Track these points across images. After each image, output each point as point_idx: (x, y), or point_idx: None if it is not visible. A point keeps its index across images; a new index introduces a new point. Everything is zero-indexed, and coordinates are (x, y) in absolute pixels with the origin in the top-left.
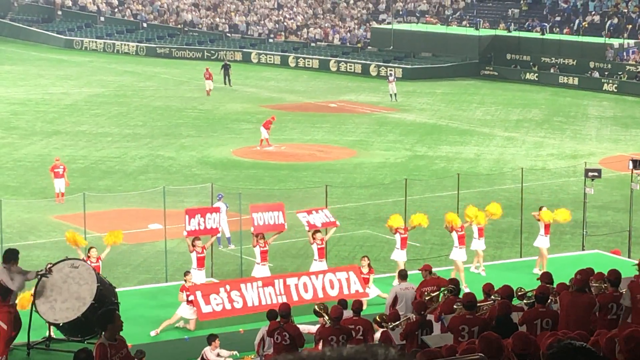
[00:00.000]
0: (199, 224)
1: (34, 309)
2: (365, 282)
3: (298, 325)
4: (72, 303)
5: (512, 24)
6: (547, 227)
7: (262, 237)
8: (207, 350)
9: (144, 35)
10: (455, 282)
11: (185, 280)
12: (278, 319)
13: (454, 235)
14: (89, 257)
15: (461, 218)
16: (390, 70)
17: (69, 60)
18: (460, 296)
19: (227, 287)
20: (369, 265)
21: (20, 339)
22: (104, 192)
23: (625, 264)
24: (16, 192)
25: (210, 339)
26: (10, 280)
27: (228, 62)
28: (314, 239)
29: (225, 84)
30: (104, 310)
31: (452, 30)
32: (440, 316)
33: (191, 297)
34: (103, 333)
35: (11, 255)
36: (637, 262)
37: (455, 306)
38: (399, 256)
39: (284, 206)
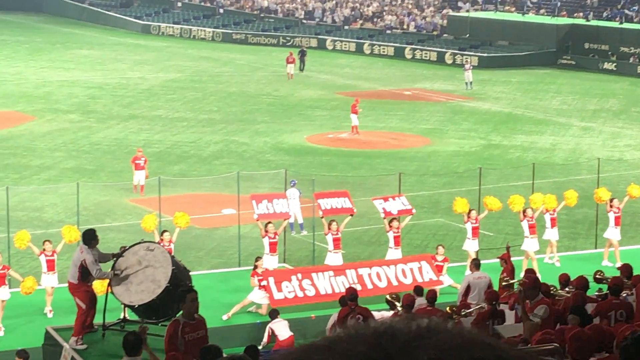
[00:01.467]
0: (267, 208)
1: (109, 290)
2: (439, 270)
3: (373, 313)
4: (147, 285)
5: (591, 12)
6: (617, 218)
7: (335, 223)
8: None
9: (221, 21)
10: (532, 273)
11: (257, 266)
12: (348, 304)
13: (525, 224)
14: (161, 239)
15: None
16: (467, 58)
17: (146, 45)
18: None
19: (299, 275)
20: (443, 253)
21: (96, 320)
22: (178, 177)
23: None
24: (93, 175)
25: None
26: (93, 266)
27: (305, 49)
28: (390, 226)
29: (300, 69)
30: (180, 289)
31: (530, 18)
32: (514, 305)
33: (264, 282)
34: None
35: (91, 236)
36: None
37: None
38: (470, 246)
39: (349, 193)
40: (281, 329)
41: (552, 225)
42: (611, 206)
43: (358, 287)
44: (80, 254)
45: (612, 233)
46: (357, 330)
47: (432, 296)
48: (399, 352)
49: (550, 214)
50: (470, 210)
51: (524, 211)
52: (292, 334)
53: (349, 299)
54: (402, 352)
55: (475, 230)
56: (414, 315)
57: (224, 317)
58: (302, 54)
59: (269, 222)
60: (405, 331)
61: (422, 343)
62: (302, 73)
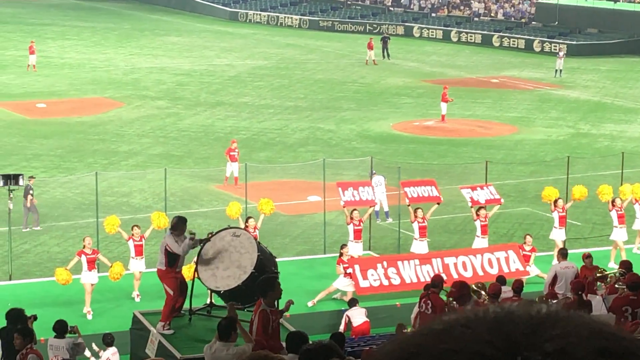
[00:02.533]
0: (353, 196)
1: (196, 275)
2: (526, 259)
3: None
4: (233, 271)
5: None
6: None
7: (421, 211)
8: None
9: (307, 9)
10: (626, 265)
11: (342, 253)
12: (429, 290)
13: (614, 214)
14: (247, 226)
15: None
16: (560, 45)
17: (233, 32)
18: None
19: (385, 263)
20: (531, 243)
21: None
22: (264, 164)
23: None
24: (180, 161)
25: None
26: (177, 247)
27: (387, 35)
28: (477, 215)
29: (384, 57)
30: (265, 277)
31: (620, 6)
32: (604, 297)
33: (349, 270)
34: (263, 299)
35: (180, 223)
36: None
37: (616, 286)
38: (558, 235)
39: (436, 182)
40: (356, 316)
41: None
42: (614, 205)
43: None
44: (164, 239)
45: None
46: (476, 314)
47: (518, 286)
48: (523, 338)
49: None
50: (557, 199)
51: (613, 201)
52: (367, 320)
53: (432, 285)
54: (526, 339)
55: (562, 220)
56: (531, 302)
57: (309, 304)
58: (385, 42)
59: (355, 209)
60: (526, 317)
61: (546, 331)
62: (388, 60)
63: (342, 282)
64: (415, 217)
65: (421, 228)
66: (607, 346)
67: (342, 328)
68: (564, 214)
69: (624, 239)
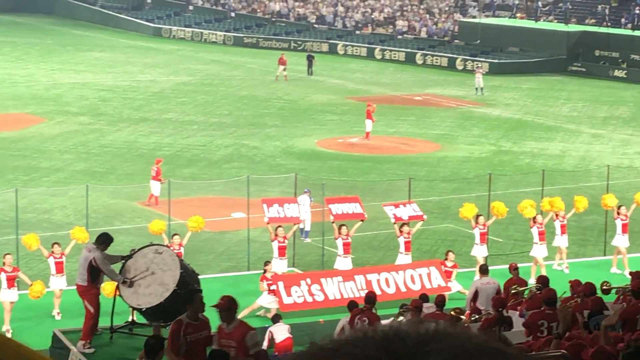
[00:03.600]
0: (278, 212)
1: (117, 293)
2: (448, 275)
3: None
4: (155, 288)
5: (603, 19)
6: (624, 225)
7: (345, 228)
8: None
9: (232, 25)
10: (543, 280)
11: (266, 270)
12: (362, 306)
13: (534, 230)
14: (171, 243)
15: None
16: (478, 63)
17: (157, 48)
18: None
19: (308, 280)
20: (453, 259)
21: (104, 322)
22: (188, 180)
23: None
24: (102, 178)
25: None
26: (105, 264)
27: (312, 54)
28: (401, 232)
29: (308, 74)
30: (187, 290)
31: (541, 25)
32: (523, 312)
33: (273, 287)
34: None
35: (104, 239)
36: None
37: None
38: (479, 251)
39: (360, 199)
40: (279, 333)
41: (562, 232)
42: (618, 213)
43: (364, 293)
44: (88, 252)
45: (620, 240)
46: (365, 333)
47: (440, 300)
48: (408, 356)
49: (560, 221)
50: (478, 216)
51: (534, 218)
52: (289, 336)
53: (366, 301)
54: (411, 356)
55: (483, 236)
56: (421, 320)
57: None
58: (310, 60)
59: (279, 226)
60: (414, 335)
61: (432, 347)
62: (311, 78)
63: (266, 299)
64: (340, 233)
65: (345, 245)
66: None
67: (265, 344)
68: (485, 230)
69: (544, 255)
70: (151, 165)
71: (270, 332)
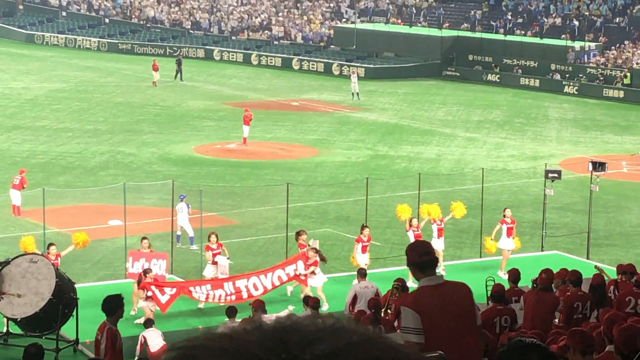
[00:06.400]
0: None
1: None
2: (307, 268)
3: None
4: (30, 298)
5: (475, 25)
6: (509, 229)
7: (214, 236)
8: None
9: (106, 31)
10: (401, 280)
11: (146, 277)
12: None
13: (410, 234)
14: (48, 253)
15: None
16: (352, 68)
17: (30, 54)
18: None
19: (174, 290)
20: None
21: None
22: (64, 188)
23: (583, 265)
24: None
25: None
26: None
27: (181, 58)
28: (410, 225)
29: (175, 78)
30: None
31: (415, 30)
32: (398, 312)
33: (149, 293)
34: (108, 318)
35: None
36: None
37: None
38: (360, 258)
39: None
40: (153, 339)
41: (439, 236)
42: (504, 216)
43: (233, 298)
44: None
45: (505, 243)
46: (261, 324)
47: (314, 304)
48: (297, 345)
49: (438, 225)
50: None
51: (410, 221)
52: (164, 343)
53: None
54: (300, 345)
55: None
56: (318, 315)
57: None
58: (179, 64)
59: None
60: (311, 328)
61: (321, 337)
62: (181, 82)
63: (143, 303)
64: (209, 241)
65: (214, 255)
66: (378, 355)
67: (138, 349)
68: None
69: None
70: (15, 175)
71: (143, 337)
